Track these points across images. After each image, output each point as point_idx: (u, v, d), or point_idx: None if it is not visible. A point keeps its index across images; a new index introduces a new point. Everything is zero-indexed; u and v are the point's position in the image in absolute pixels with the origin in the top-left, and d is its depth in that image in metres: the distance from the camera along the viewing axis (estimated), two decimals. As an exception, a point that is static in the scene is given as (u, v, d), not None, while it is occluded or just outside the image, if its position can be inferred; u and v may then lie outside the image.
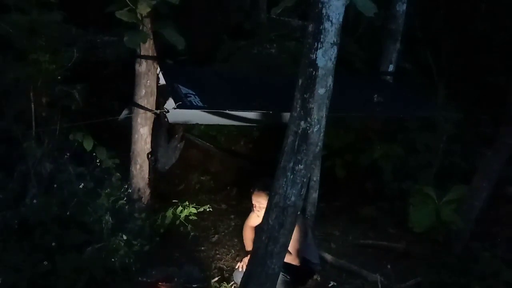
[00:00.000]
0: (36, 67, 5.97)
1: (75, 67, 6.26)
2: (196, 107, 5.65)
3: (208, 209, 6.84)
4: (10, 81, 6.03)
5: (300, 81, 4.36)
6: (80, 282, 5.07)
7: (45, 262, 4.98)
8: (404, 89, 7.85)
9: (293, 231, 4.64)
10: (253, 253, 4.68)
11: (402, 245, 7.13)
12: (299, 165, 4.40)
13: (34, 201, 5.76)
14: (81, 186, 5.93)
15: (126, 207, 6.20)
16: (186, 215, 6.65)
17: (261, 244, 4.53)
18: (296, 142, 4.38)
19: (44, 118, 6.32)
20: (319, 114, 4.35)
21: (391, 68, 8.44)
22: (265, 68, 8.85)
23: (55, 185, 5.88)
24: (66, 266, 5.08)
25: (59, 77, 6.19)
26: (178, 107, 5.47)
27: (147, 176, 6.62)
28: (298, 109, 4.36)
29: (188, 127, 8.15)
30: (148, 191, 6.67)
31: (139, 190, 6.61)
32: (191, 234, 6.70)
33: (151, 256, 5.90)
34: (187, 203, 6.71)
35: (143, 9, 5.84)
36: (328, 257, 6.78)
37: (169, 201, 6.99)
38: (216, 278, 5.95)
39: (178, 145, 6.86)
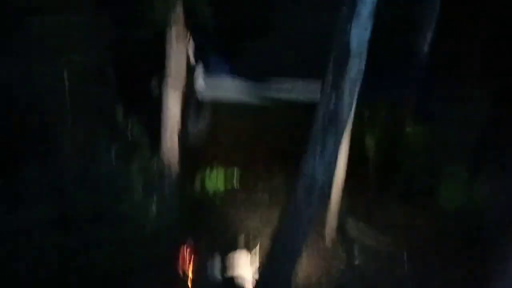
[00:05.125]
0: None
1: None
2: (224, 76, 5.62)
3: (236, 185, 6.88)
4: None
5: (332, 59, 4.28)
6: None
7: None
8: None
9: (320, 209, 4.67)
10: (277, 232, 4.74)
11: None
12: (329, 141, 4.35)
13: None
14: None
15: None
16: (213, 189, 6.74)
17: (286, 223, 4.58)
18: (327, 117, 4.31)
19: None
20: (350, 95, 4.27)
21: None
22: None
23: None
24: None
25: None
26: (206, 75, 5.46)
27: (177, 150, 6.71)
28: (329, 88, 4.30)
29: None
30: (176, 159, 6.78)
31: (169, 159, 6.72)
32: (218, 207, 6.80)
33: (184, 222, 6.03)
34: (216, 176, 6.78)
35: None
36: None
37: (198, 175, 7.06)
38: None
39: (206, 119, 6.90)
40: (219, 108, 7.47)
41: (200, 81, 6.20)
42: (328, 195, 4.74)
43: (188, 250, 5.52)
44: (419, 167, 7.80)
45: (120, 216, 5.56)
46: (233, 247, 5.98)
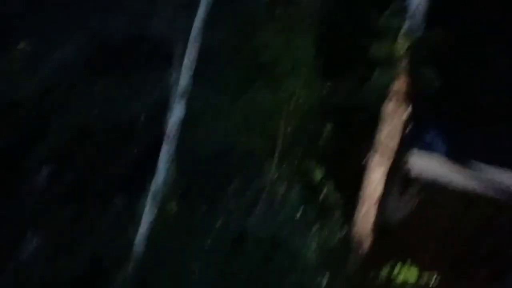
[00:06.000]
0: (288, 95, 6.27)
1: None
2: (437, 153, 4.84)
3: (433, 281, 5.65)
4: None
5: None
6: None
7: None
8: None
9: None
10: None
11: None
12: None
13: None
14: (298, 213, 5.82)
15: (340, 249, 5.78)
16: (404, 282, 5.68)
17: None
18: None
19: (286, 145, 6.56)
20: None
21: None
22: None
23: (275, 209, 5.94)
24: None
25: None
26: (416, 151, 4.81)
27: (371, 222, 6.06)
28: None
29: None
30: (369, 240, 6.09)
31: (359, 236, 6.09)
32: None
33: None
34: (408, 266, 5.72)
35: (402, 47, 5.47)
36: None
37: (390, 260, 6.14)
38: None
39: (411, 199, 6.04)
40: (428, 190, 6.52)
41: (412, 159, 5.50)
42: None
43: None
44: None
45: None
46: None
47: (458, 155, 4.97)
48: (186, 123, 5.35)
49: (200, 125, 6.02)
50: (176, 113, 4.16)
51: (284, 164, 6.45)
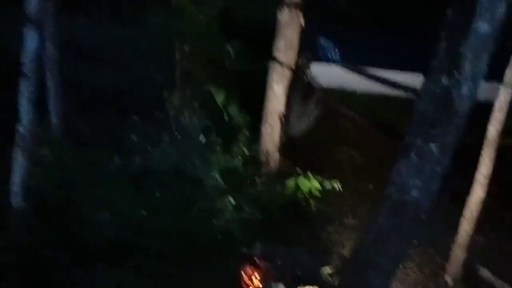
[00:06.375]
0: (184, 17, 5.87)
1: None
2: (331, 61, 4.74)
3: (337, 187, 5.80)
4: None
5: (450, 12, 2.94)
6: (179, 243, 4.79)
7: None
8: None
9: (411, 239, 3.46)
10: (351, 258, 3.67)
11: None
12: (431, 144, 3.10)
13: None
14: (203, 140, 5.61)
15: (248, 169, 5.70)
16: (310, 189, 5.77)
17: (363, 247, 3.47)
18: (431, 109, 3.05)
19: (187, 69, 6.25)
20: (474, 66, 2.91)
21: None
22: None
23: (179, 136, 5.69)
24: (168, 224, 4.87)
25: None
26: (311, 59, 4.66)
27: (277, 138, 6.00)
28: (441, 57, 2.99)
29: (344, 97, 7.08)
30: (276, 156, 6.06)
31: (267, 152, 6.04)
32: (313, 212, 5.82)
33: (262, 229, 5.29)
34: (311, 175, 5.78)
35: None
36: (490, 276, 5.25)
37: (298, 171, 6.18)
38: (328, 268, 5.04)
39: (315, 109, 5.99)
40: (331, 99, 6.51)
41: (311, 69, 5.36)
42: (427, 217, 3.43)
43: (256, 262, 4.67)
44: None
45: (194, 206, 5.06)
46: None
47: (354, 61, 4.87)
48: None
49: (84, 55, 5.48)
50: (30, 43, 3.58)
51: (185, 92, 6.15)
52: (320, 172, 5.83)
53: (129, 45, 7.02)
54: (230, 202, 5.18)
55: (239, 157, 5.60)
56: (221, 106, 6.01)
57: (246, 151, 5.76)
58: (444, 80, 2.99)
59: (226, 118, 5.95)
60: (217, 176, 5.28)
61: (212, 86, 6.07)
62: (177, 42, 6.24)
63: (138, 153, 5.53)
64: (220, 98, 6.03)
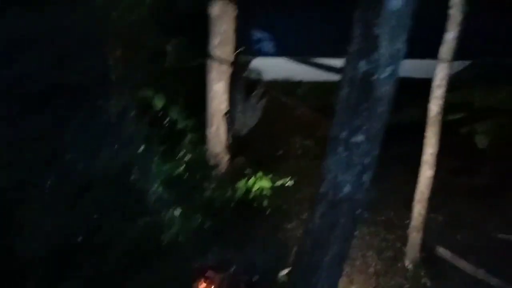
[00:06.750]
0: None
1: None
2: (265, 54, 4.50)
3: (288, 183, 5.58)
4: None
5: None
6: (123, 260, 4.52)
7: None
8: None
9: (350, 235, 3.25)
10: (295, 262, 3.45)
11: None
12: (358, 135, 2.89)
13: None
14: (141, 149, 5.31)
15: (195, 175, 5.43)
16: (261, 189, 5.54)
17: (305, 252, 3.25)
18: (353, 96, 2.83)
19: (119, 73, 5.90)
20: (392, 47, 2.69)
21: None
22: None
23: (116, 146, 5.38)
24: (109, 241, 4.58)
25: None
26: (244, 53, 4.40)
27: (224, 139, 5.74)
28: (358, 40, 2.76)
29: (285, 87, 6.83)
30: (226, 156, 5.80)
31: (215, 155, 5.77)
32: (268, 211, 5.58)
33: (214, 236, 5.04)
34: (261, 174, 5.55)
35: None
36: (448, 254, 5.13)
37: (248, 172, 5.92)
38: (286, 270, 4.85)
39: (258, 104, 5.75)
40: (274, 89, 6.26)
41: (250, 63, 5.10)
42: (363, 209, 3.23)
43: (209, 275, 4.42)
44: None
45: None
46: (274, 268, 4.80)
47: (290, 51, 4.63)
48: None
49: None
50: None
51: (122, 96, 5.82)
52: (274, 165, 5.61)
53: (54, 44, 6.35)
54: (176, 213, 4.91)
55: (184, 164, 5.33)
56: (161, 111, 5.73)
57: (191, 156, 5.50)
58: (363, 65, 2.77)
59: (166, 123, 5.66)
60: (160, 187, 5.00)
61: (150, 90, 5.77)
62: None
63: (74, 166, 5.20)
64: (159, 102, 5.74)
